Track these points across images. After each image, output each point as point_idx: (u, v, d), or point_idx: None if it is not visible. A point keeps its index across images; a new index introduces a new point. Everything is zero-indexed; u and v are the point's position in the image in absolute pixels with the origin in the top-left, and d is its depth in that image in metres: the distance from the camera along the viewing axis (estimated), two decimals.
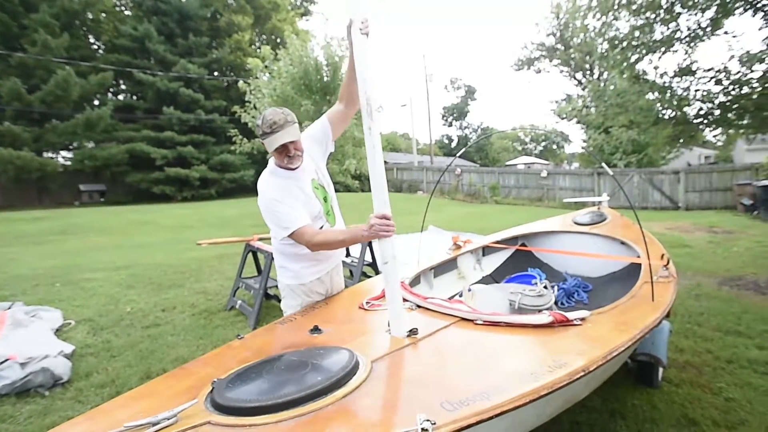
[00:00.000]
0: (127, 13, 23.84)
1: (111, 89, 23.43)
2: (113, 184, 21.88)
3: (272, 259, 4.19)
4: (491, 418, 1.06)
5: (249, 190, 23.52)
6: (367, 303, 2.03)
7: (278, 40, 24.04)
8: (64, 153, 21.59)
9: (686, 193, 14.19)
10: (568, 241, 3.86)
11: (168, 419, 0.99)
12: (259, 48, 9.91)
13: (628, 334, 1.63)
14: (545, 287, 2.86)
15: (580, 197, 14.95)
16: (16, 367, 2.86)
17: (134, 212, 14.65)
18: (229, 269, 5.85)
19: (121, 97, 24.38)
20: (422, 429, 0.96)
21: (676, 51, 5.27)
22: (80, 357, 3.26)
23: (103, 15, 22.57)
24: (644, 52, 5.51)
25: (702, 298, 4.52)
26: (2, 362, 2.88)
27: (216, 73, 24.15)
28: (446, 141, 45.80)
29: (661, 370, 2.79)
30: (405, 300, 2.05)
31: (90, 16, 22.04)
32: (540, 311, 2.42)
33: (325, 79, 9.91)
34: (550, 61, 24.96)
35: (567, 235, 3.89)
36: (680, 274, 5.62)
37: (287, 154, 1.84)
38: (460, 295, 2.17)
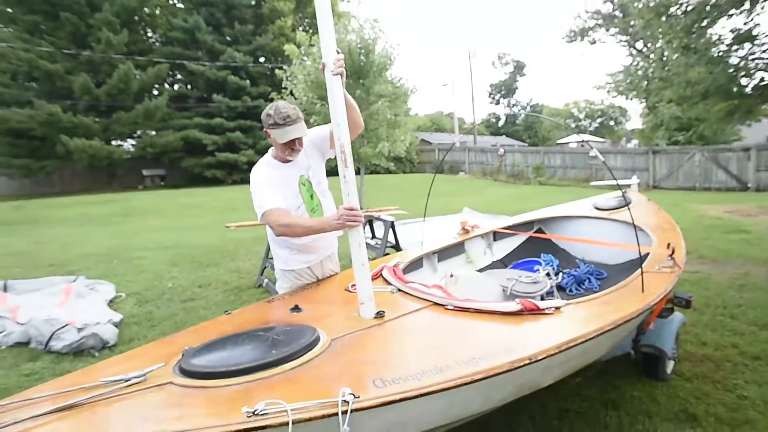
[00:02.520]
0: (179, 6, 25.08)
1: (166, 80, 24.96)
2: (171, 168, 23.56)
3: None
4: (415, 397, 1.15)
5: None
6: (353, 285, 2.14)
7: None
8: (131, 141, 23.53)
9: (757, 172, 12.76)
10: (586, 226, 3.73)
11: (137, 377, 1.19)
12: (302, 32, 10.08)
13: (596, 325, 1.62)
14: (547, 274, 2.83)
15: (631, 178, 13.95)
16: (74, 331, 3.34)
17: (188, 195, 15.78)
18: (263, 250, 6.24)
19: (176, 87, 25.95)
20: (343, 401, 1.07)
21: (731, 15, 4.71)
22: (126, 325, 3.72)
23: (158, 10, 23.92)
24: (696, 18, 4.97)
25: (746, 289, 4.20)
26: (63, 327, 3.37)
27: (262, 59, 24.90)
28: (493, 120, 44.15)
29: (672, 362, 2.69)
30: (388, 284, 2.15)
31: (147, 11, 23.47)
32: (534, 298, 2.43)
33: (362, 61, 9.92)
34: (607, 30, 22.96)
35: (585, 220, 3.75)
36: (728, 261, 5.22)
37: (292, 147, 1.97)
38: (441, 280, 2.23)
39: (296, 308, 1.85)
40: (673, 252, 2.36)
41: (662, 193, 13.37)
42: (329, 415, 1.05)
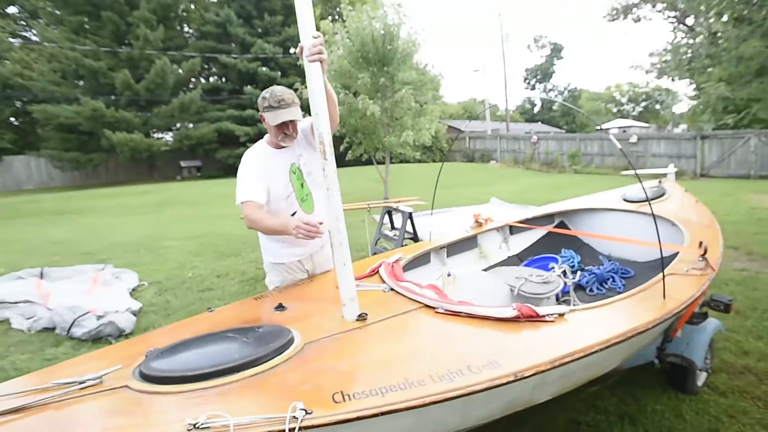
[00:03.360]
0: (212, 0, 25.65)
1: (201, 74, 25.72)
2: (207, 159, 24.38)
3: None
4: (374, 416, 1.04)
5: None
6: None
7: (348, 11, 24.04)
8: (170, 134, 24.54)
9: None
10: (612, 220, 3.44)
11: (92, 380, 1.15)
12: (342, 21, 9.94)
13: (601, 338, 1.43)
14: (563, 273, 2.61)
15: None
16: (93, 318, 3.47)
17: (222, 185, 16.24)
18: None
19: (211, 80, 26.70)
20: (292, 417, 0.98)
21: None
22: (144, 314, 3.83)
23: (192, 5, 24.56)
24: None
25: None
26: (84, 314, 3.51)
27: (291, 50, 25.11)
28: (528, 105, 42.47)
29: (704, 374, 2.42)
30: (383, 281, 2.03)
31: (182, 7, 24.17)
32: (543, 299, 2.24)
33: (387, 48, 9.70)
34: (653, 6, 21.24)
35: (612, 213, 3.46)
36: None
37: (285, 131, 1.92)
38: (438, 279, 2.08)
39: (280, 307, 1.78)
40: (705, 251, 2.09)
41: (711, 182, 12.36)
42: None
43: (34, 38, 21.87)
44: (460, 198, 10.95)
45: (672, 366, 2.37)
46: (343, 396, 1.09)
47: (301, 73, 10.69)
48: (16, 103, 21.92)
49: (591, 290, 2.94)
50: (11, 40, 21.92)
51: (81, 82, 21.04)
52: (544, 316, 1.56)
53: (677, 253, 2.33)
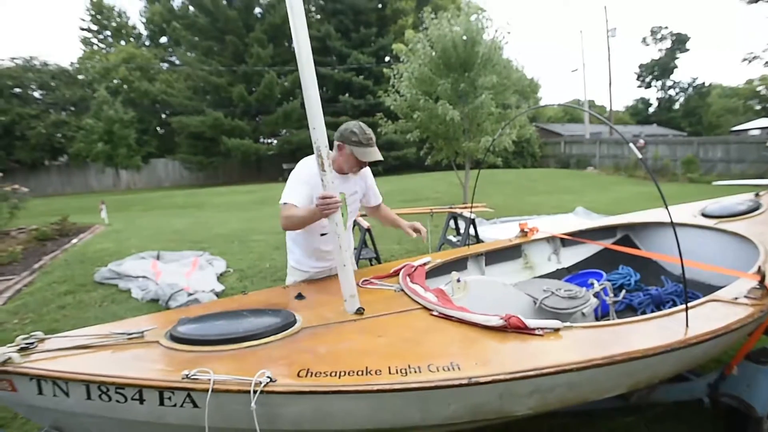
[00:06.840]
0: (317, 17, 28.03)
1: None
2: None
3: (366, 231, 4.75)
4: (325, 393, 1.23)
5: (412, 167, 25.07)
6: (365, 281, 2.23)
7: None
8: (276, 140, 27.48)
9: None
10: (685, 237, 3.03)
11: (136, 334, 1.53)
12: (424, 29, 10.21)
13: (583, 357, 1.38)
14: (602, 290, 2.44)
15: None
16: (185, 295, 4.20)
17: None
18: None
19: None
20: (257, 381, 1.21)
21: None
22: (225, 295, 4.48)
23: None
24: None
25: None
26: (179, 291, 4.26)
27: (387, 59, 26.20)
28: (641, 106, 37.73)
29: None
30: (398, 283, 2.17)
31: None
32: (567, 314, 2.15)
33: (469, 52, 9.62)
34: None
35: (684, 229, 3.05)
36: None
37: (362, 165, 2.14)
38: (446, 285, 2.13)
39: (300, 296, 2.04)
40: (764, 278, 1.81)
41: None
42: (243, 391, 1.20)
43: (176, 62, 26.39)
44: (544, 206, 10.33)
45: (730, 410, 2.07)
46: (307, 372, 1.29)
47: (387, 80, 11.03)
48: (162, 115, 26.72)
49: (644, 312, 2.68)
50: (162, 64, 26.75)
51: (207, 97, 24.70)
52: (533, 329, 1.56)
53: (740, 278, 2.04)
